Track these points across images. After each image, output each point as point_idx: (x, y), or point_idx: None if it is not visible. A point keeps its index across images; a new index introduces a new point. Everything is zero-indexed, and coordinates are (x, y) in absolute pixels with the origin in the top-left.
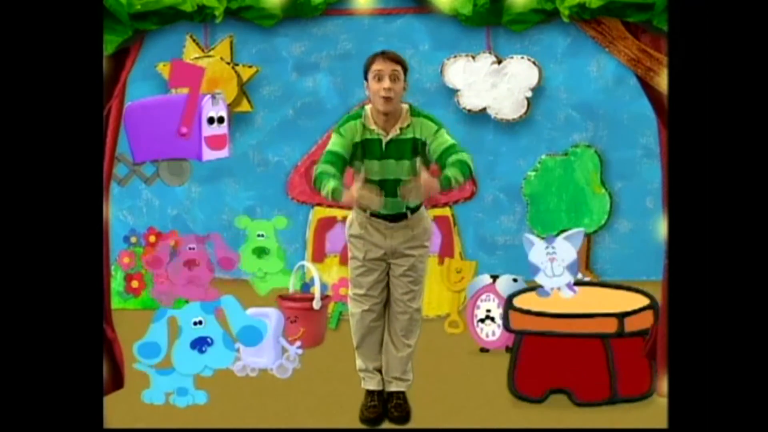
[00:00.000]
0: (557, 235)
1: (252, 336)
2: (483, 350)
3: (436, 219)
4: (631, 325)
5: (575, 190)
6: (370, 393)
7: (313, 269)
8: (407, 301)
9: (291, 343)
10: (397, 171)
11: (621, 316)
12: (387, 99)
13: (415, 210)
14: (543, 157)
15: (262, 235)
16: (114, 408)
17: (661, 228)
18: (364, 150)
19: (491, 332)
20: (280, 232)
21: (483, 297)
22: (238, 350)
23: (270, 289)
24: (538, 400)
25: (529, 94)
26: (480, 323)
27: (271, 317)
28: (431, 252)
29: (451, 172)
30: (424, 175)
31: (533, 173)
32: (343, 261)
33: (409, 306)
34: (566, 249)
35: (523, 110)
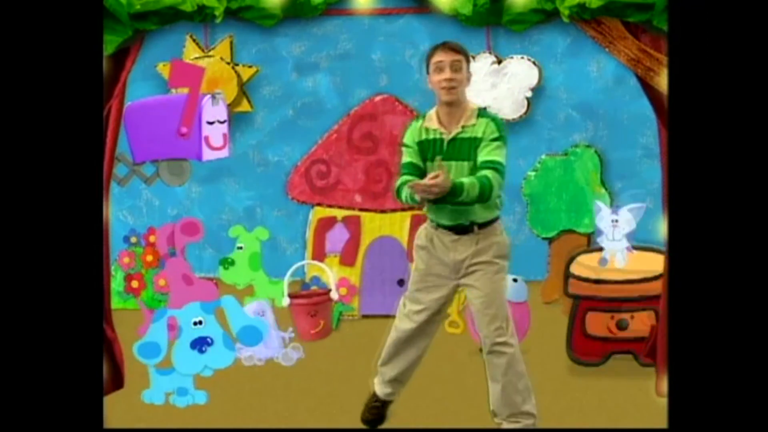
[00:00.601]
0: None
1: (252, 336)
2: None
3: None
4: None
5: (575, 190)
6: (376, 394)
7: (319, 264)
8: (487, 333)
9: (314, 336)
10: (458, 174)
11: None
12: (449, 89)
13: (484, 225)
14: (543, 157)
15: (241, 248)
16: (114, 408)
17: (661, 228)
18: (424, 152)
19: None
20: (266, 241)
21: None
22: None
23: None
24: (598, 363)
25: (529, 94)
26: None
27: (267, 310)
28: None
29: (468, 181)
30: (441, 175)
31: (533, 173)
32: (343, 261)
33: (492, 339)
34: (628, 219)
35: (523, 110)
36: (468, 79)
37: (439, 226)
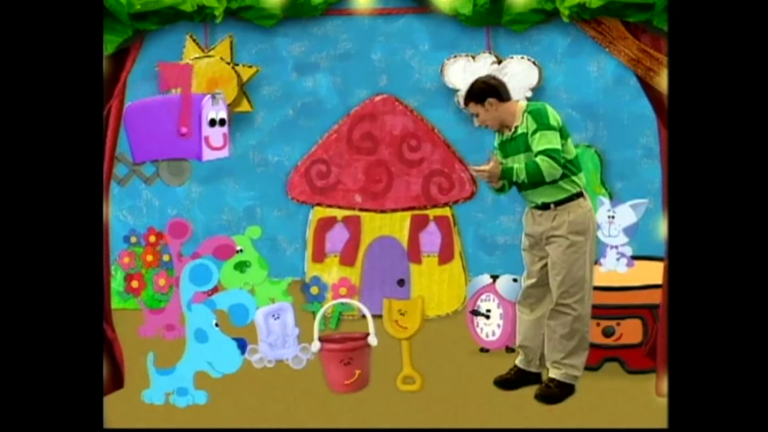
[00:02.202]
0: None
1: (241, 314)
2: (483, 350)
3: (436, 219)
4: None
5: None
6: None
7: (360, 306)
8: (554, 296)
9: (346, 388)
10: (517, 163)
11: None
12: (484, 125)
13: (558, 203)
14: None
15: (241, 250)
16: (114, 408)
17: (661, 228)
18: (501, 150)
19: (491, 332)
20: (260, 241)
21: (483, 297)
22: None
23: (270, 301)
24: (594, 368)
25: (529, 94)
26: (476, 317)
27: (286, 311)
28: (432, 252)
29: (517, 166)
30: (491, 163)
31: None
32: (343, 261)
33: (556, 300)
34: (626, 214)
35: None
36: (494, 108)
37: (529, 205)
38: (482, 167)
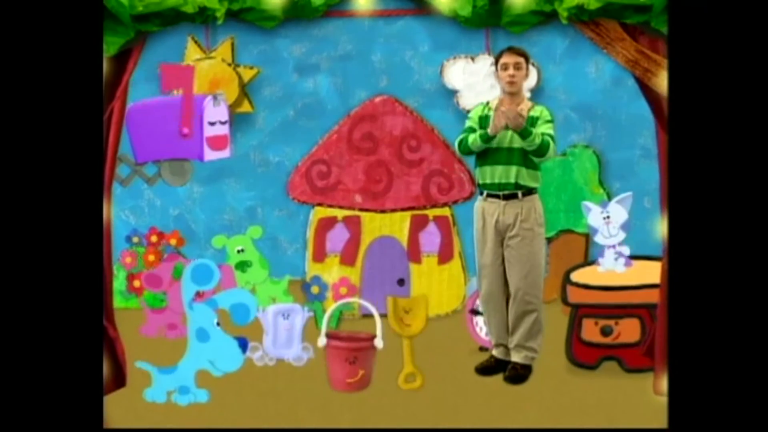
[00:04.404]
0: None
1: (242, 313)
2: (482, 349)
3: (436, 219)
4: None
5: (574, 190)
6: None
7: (371, 308)
8: (522, 287)
9: (348, 387)
10: (511, 141)
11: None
12: (511, 83)
13: (527, 192)
14: None
15: (242, 250)
16: (116, 407)
17: (658, 227)
18: (483, 126)
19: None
20: (262, 241)
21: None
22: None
23: (270, 300)
24: (593, 366)
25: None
26: (475, 316)
27: (296, 313)
28: (431, 251)
29: (538, 130)
30: (525, 109)
31: None
32: (343, 261)
33: (524, 291)
34: (618, 211)
35: None
36: (527, 76)
37: (489, 195)
38: (513, 108)
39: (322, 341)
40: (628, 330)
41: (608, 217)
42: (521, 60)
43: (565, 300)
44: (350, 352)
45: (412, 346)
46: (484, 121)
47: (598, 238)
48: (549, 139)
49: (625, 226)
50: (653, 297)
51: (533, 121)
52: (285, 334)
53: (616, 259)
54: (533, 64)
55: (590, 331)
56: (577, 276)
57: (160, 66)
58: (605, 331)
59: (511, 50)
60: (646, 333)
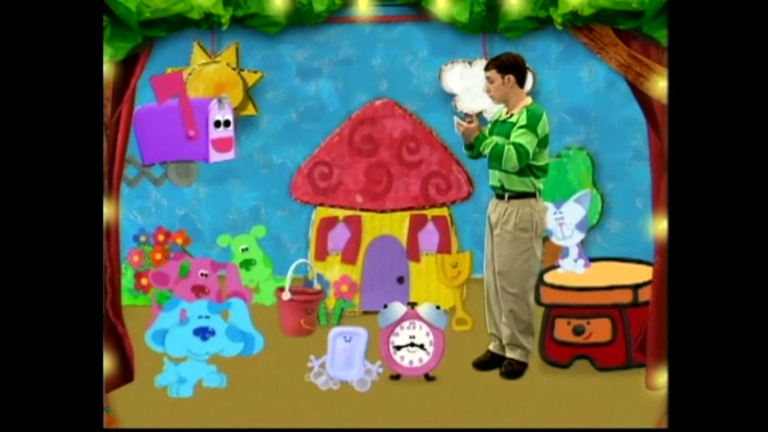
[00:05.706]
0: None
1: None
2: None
3: (434, 219)
4: (644, 295)
5: (568, 190)
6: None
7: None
8: (505, 285)
9: (302, 331)
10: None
11: (635, 288)
12: (490, 96)
13: (513, 196)
14: None
15: (246, 249)
16: (124, 401)
17: (650, 227)
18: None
19: (418, 359)
20: (265, 240)
21: (406, 324)
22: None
23: (274, 299)
24: (566, 365)
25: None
26: (397, 350)
27: (361, 336)
28: (430, 250)
29: (489, 140)
30: (475, 124)
31: None
32: (344, 259)
33: (508, 290)
34: (573, 210)
35: None
36: (504, 84)
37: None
38: (464, 122)
39: (287, 295)
40: (600, 330)
41: (561, 218)
42: (491, 73)
43: (538, 300)
44: (309, 304)
45: (462, 293)
46: (494, 126)
47: (554, 240)
48: (507, 147)
49: (581, 226)
50: (624, 297)
51: (510, 126)
52: (344, 355)
53: (575, 260)
54: (528, 69)
55: (563, 330)
56: (550, 277)
57: (151, 80)
58: (577, 331)
59: (486, 65)
60: (617, 333)
